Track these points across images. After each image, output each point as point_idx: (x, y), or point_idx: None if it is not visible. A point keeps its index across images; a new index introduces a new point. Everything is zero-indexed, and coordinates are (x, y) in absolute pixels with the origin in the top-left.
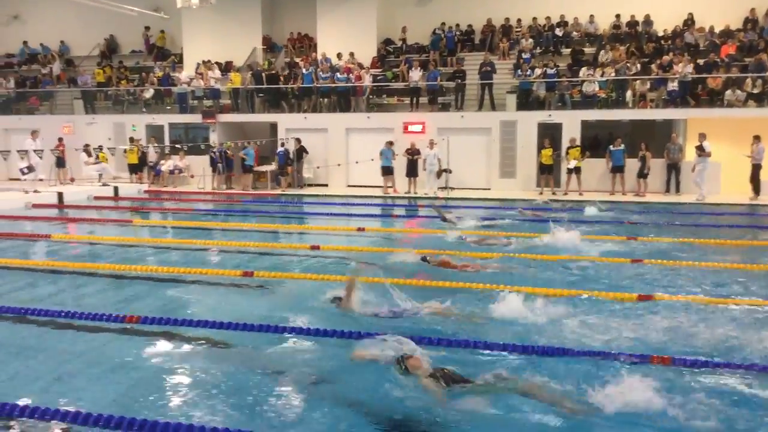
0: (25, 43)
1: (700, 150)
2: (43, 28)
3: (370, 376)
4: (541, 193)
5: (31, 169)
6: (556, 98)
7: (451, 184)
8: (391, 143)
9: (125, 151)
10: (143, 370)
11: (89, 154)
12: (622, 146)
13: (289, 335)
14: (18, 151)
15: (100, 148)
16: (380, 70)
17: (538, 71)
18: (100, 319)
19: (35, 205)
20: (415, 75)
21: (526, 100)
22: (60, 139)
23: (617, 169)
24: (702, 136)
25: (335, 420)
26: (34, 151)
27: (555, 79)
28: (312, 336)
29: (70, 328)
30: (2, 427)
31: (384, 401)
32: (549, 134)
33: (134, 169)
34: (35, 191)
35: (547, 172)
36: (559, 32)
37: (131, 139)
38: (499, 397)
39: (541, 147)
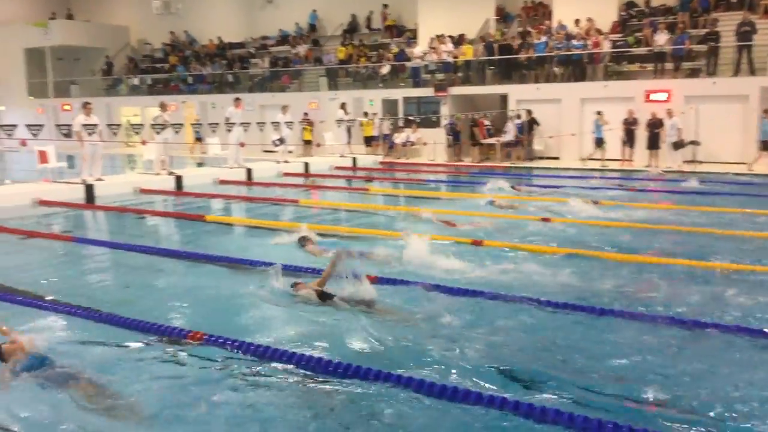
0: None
1: None
2: (293, 11)
3: None
4: None
5: (282, 140)
6: None
7: (699, 157)
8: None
9: (361, 124)
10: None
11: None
12: None
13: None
14: (272, 123)
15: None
16: (621, 35)
17: None
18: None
19: (286, 174)
20: (661, 39)
21: None
22: (305, 114)
23: None
24: None
25: None
26: (285, 123)
27: None
28: (545, 306)
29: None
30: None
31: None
32: None
33: (369, 141)
34: (285, 161)
35: None
36: None
37: (365, 113)
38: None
39: None
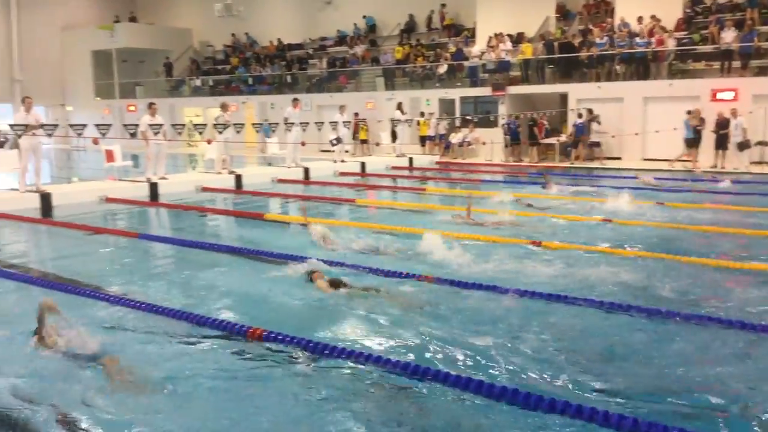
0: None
1: None
2: (352, 11)
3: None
4: None
5: (339, 140)
6: None
7: (767, 158)
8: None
9: (418, 123)
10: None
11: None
12: None
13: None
14: (330, 122)
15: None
16: (686, 32)
17: None
18: (385, 274)
19: (342, 173)
20: (728, 36)
21: None
22: (356, 114)
23: None
24: None
25: None
26: (343, 123)
27: None
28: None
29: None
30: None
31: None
32: None
33: (424, 141)
34: (342, 161)
35: None
36: None
37: (421, 113)
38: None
39: None
